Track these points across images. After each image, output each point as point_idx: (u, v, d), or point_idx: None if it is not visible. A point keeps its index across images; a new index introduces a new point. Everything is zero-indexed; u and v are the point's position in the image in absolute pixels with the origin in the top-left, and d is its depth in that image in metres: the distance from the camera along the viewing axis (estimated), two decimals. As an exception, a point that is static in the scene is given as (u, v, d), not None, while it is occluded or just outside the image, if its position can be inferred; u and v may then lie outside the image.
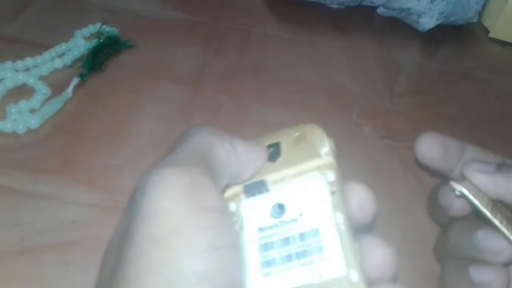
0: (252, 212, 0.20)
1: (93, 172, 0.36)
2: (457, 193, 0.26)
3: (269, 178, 0.21)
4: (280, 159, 0.21)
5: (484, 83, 0.56)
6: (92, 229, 0.32)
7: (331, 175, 0.21)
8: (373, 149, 0.43)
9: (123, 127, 0.40)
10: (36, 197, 0.33)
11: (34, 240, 0.30)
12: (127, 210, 0.19)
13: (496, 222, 0.25)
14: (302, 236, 0.19)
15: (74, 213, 0.32)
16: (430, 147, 0.28)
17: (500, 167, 0.27)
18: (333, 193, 0.20)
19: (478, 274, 0.26)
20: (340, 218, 0.19)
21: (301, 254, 0.18)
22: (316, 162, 0.21)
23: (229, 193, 0.21)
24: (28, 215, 0.32)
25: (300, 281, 0.17)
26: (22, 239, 0.30)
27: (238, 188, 0.21)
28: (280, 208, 0.20)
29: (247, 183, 0.21)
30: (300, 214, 0.19)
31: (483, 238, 0.26)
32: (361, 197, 0.21)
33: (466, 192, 0.25)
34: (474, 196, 0.25)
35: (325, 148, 0.21)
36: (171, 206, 0.17)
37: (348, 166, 0.42)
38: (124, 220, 0.19)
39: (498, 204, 0.27)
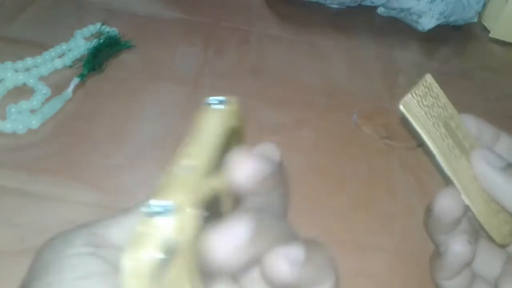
0: None
1: (93, 172, 0.36)
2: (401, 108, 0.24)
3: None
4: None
5: (484, 83, 0.56)
6: (92, 229, 0.32)
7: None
8: (373, 149, 0.43)
9: (123, 127, 0.40)
10: (36, 197, 0.33)
11: (34, 240, 0.30)
12: None
13: (434, 150, 0.24)
14: None
15: (74, 213, 0.32)
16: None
17: (509, 167, 0.25)
18: None
19: None
20: None
21: None
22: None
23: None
24: (28, 215, 0.32)
25: None
26: (22, 239, 0.30)
27: None
28: None
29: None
30: None
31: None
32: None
33: (402, 108, 0.24)
34: (414, 117, 0.24)
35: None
36: None
37: (348, 166, 0.42)
38: None
39: (452, 129, 0.26)
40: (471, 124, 0.28)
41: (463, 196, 0.25)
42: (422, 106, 0.25)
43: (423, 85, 0.25)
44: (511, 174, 0.25)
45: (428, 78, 0.26)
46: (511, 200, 0.24)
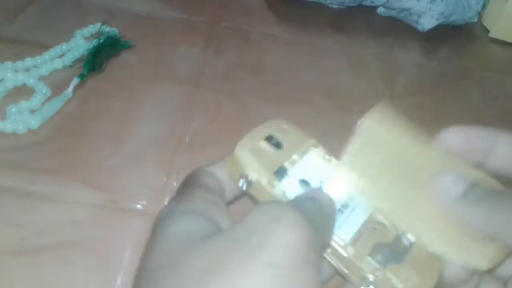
0: (289, 190, 0.24)
1: (93, 172, 0.36)
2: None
3: (285, 163, 0.25)
4: (284, 147, 0.26)
5: (484, 83, 0.56)
6: (92, 229, 0.32)
7: (321, 149, 0.27)
8: (373, 149, 0.43)
9: (123, 127, 0.40)
10: (36, 197, 0.33)
11: (34, 240, 0.30)
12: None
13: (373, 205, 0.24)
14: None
15: (74, 213, 0.32)
16: (452, 142, 0.25)
17: (472, 190, 0.23)
18: (328, 160, 0.26)
19: None
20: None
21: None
22: (307, 144, 0.27)
23: (263, 181, 0.24)
24: (28, 215, 0.32)
25: None
26: (22, 239, 0.30)
27: (268, 177, 0.24)
28: (305, 182, 0.25)
29: (274, 170, 0.24)
30: (321, 182, 0.25)
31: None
32: None
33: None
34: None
35: (303, 133, 0.27)
36: (297, 247, 0.19)
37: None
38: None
39: (404, 165, 0.25)
40: (455, 138, 0.25)
41: (415, 235, 0.23)
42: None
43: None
44: (473, 198, 0.23)
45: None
46: (482, 225, 0.22)
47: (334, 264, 0.23)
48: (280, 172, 0.24)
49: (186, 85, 0.46)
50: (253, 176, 0.23)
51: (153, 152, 0.38)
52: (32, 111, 0.39)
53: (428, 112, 0.49)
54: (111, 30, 0.49)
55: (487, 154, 0.25)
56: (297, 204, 0.21)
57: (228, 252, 0.18)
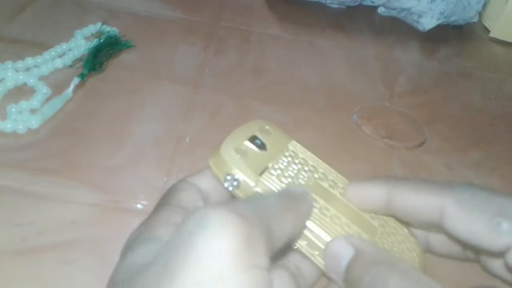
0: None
1: (93, 172, 0.36)
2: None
3: (270, 163, 0.25)
4: (268, 147, 0.25)
5: (484, 83, 0.56)
6: (92, 229, 0.32)
7: (300, 147, 0.27)
8: (373, 149, 0.43)
9: (123, 127, 0.40)
10: (36, 197, 0.33)
11: (34, 240, 0.30)
12: (173, 239, 0.18)
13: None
14: None
15: (74, 213, 0.32)
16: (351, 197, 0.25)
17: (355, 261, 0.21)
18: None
19: None
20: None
21: None
22: (289, 144, 0.26)
23: (251, 182, 0.23)
24: (28, 215, 0.32)
25: None
26: (22, 239, 0.30)
27: (255, 177, 0.24)
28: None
29: (259, 171, 0.24)
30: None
31: None
32: None
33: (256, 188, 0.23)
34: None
35: (284, 133, 0.27)
36: (224, 253, 0.17)
37: (348, 166, 0.42)
38: (160, 248, 0.19)
39: (325, 188, 0.25)
40: (350, 193, 0.25)
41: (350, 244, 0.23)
42: (282, 179, 0.24)
43: (284, 155, 0.25)
44: (355, 274, 0.21)
45: (292, 145, 0.26)
46: (406, 210, 0.22)
47: (309, 256, 0.23)
48: (265, 173, 0.24)
49: (186, 85, 0.46)
50: (240, 176, 0.23)
51: (153, 152, 0.38)
52: (33, 111, 0.39)
53: (428, 112, 0.49)
54: (111, 30, 0.49)
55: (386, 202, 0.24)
56: (243, 201, 0.20)
57: (158, 279, 0.17)
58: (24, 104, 0.39)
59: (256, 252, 0.17)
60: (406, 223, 0.25)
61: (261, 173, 0.24)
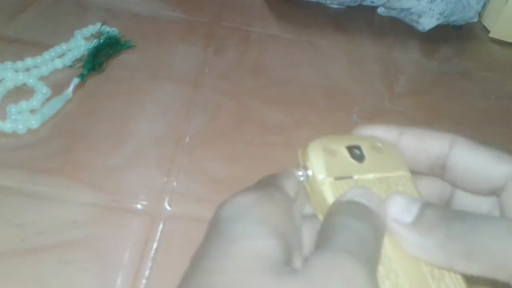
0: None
1: (93, 172, 0.36)
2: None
3: (356, 176, 0.23)
4: (365, 163, 0.23)
5: (484, 83, 0.56)
6: (92, 229, 0.32)
7: (410, 185, 0.23)
8: (373, 149, 0.43)
9: (123, 127, 0.40)
10: (36, 197, 0.33)
11: (34, 240, 0.30)
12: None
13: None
14: None
15: (74, 213, 0.32)
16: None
17: (424, 212, 0.19)
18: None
19: None
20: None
21: None
22: (396, 173, 0.23)
23: (319, 180, 0.22)
24: (28, 215, 0.32)
25: None
26: (22, 239, 0.30)
27: (327, 179, 0.22)
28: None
29: (337, 175, 0.22)
30: None
31: None
32: None
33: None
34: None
35: (399, 159, 0.24)
36: None
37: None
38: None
39: None
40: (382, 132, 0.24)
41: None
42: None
43: (377, 178, 0.23)
44: (424, 225, 0.19)
45: (399, 176, 0.23)
46: (435, 256, 0.19)
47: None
48: (344, 180, 0.22)
49: (186, 85, 0.46)
50: (311, 172, 0.22)
51: (153, 152, 0.38)
52: (32, 111, 0.39)
53: (428, 112, 0.49)
54: (111, 30, 0.49)
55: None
56: (353, 240, 0.18)
57: None
58: (24, 104, 0.39)
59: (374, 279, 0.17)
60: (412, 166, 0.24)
61: (339, 178, 0.22)
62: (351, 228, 0.18)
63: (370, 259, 0.17)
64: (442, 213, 0.19)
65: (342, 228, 0.18)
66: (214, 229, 0.18)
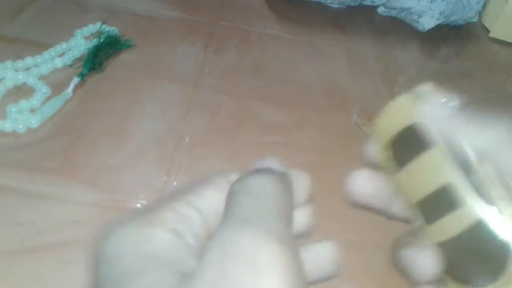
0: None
1: (93, 172, 0.36)
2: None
3: None
4: None
5: (484, 83, 0.56)
6: (92, 229, 0.32)
7: None
8: (373, 149, 0.43)
9: (123, 127, 0.40)
10: (36, 197, 0.33)
11: (34, 240, 0.30)
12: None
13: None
14: None
15: (74, 213, 0.32)
16: (362, 184, 0.25)
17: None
18: None
19: None
20: None
21: None
22: None
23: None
24: (28, 215, 0.32)
25: None
26: (22, 239, 0.30)
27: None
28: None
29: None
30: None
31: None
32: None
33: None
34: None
35: None
36: None
37: (348, 166, 0.42)
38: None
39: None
40: (367, 178, 0.25)
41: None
42: None
43: None
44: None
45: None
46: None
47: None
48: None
49: (186, 85, 0.46)
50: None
51: (153, 152, 0.38)
52: (32, 110, 0.39)
53: (428, 112, 0.49)
54: (111, 29, 0.49)
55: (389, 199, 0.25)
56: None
57: None
58: (24, 104, 0.39)
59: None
60: None
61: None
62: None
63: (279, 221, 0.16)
64: None
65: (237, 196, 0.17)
66: (104, 265, 0.17)
